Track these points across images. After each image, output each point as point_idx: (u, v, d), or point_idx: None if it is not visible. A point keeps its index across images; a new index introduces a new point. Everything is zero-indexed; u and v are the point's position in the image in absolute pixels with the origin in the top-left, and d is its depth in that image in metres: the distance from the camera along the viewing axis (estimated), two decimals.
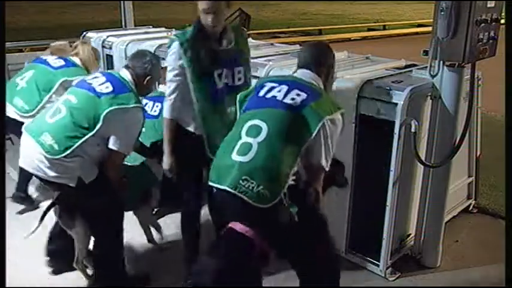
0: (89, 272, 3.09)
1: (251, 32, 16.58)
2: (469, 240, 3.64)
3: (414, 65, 3.64)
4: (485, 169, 4.18)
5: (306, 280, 2.47)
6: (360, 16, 25.60)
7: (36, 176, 2.80)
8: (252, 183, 2.09)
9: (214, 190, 2.22)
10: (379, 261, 3.14)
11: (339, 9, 29.39)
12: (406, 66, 3.65)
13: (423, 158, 3.05)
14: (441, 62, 2.90)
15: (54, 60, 3.76)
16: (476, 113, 3.69)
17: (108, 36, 5.39)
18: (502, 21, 2.91)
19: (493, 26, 2.89)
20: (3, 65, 5.19)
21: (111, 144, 2.67)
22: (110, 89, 2.69)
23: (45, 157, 2.61)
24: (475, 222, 3.90)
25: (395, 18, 24.80)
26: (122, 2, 6.92)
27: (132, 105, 2.68)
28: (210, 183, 2.25)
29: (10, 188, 4.08)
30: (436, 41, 2.81)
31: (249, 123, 2.22)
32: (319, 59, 2.45)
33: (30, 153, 2.70)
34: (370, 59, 3.94)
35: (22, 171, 3.25)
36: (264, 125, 2.17)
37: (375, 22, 22.10)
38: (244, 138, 2.18)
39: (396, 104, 2.87)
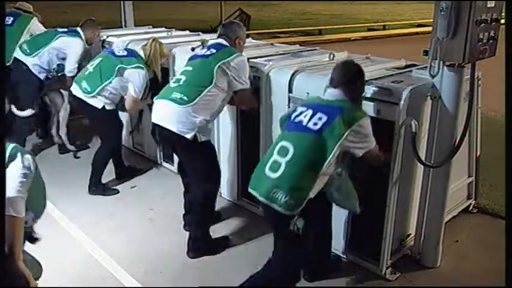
0: None
1: (251, 32, 16.61)
2: (469, 240, 3.64)
3: (414, 65, 3.64)
4: (485, 169, 4.19)
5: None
6: (360, 16, 25.58)
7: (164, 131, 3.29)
8: (280, 194, 2.50)
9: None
10: (379, 261, 3.14)
11: (339, 9, 29.37)
12: (406, 66, 3.66)
13: (423, 158, 3.05)
14: (441, 62, 2.89)
15: (119, 50, 4.30)
16: (476, 113, 3.69)
17: (108, 36, 5.40)
18: (502, 21, 2.91)
19: (493, 26, 2.89)
20: (3, 64, 5.19)
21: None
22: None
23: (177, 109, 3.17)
24: (475, 222, 3.90)
25: (395, 18, 24.79)
26: (122, 2, 6.92)
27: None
28: (250, 189, 2.70)
29: None
30: (436, 41, 2.81)
31: (280, 144, 2.62)
32: (346, 79, 2.70)
33: (164, 111, 3.26)
34: (370, 59, 3.94)
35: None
36: (291, 147, 2.55)
37: (375, 22, 22.09)
38: (275, 157, 2.59)
39: (396, 104, 2.87)
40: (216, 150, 4.12)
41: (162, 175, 4.77)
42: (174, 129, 3.19)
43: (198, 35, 5.67)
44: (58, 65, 4.91)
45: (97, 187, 4.36)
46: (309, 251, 2.81)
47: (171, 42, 4.94)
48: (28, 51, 4.85)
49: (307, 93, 3.30)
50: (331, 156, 2.49)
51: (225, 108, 3.93)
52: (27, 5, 5.55)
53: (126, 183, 4.55)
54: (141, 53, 4.18)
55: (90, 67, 4.22)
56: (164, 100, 3.28)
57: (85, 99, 4.13)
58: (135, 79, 4.06)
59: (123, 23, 6.94)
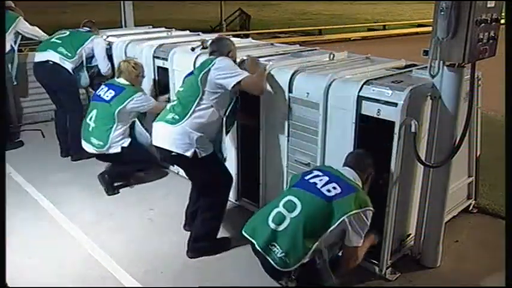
0: None
1: (251, 32, 16.61)
2: (469, 240, 3.64)
3: (414, 65, 3.64)
4: (485, 169, 4.18)
5: None
6: (360, 16, 25.59)
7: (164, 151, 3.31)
8: (277, 249, 2.53)
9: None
10: (379, 261, 3.14)
11: (339, 9, 29.38)
12: (406, 66, 3.65)
13: (423, 158, 3.05)
14: (441, 62, 2.89)
15: (106, 93, 4.34)
16: (476, 113, 3.68)
17: (108, 36, 5.40)
18: (502, 21, 2.91)
19: (493, 26, 2.88)
20: (3, 64, 5.20)
21: None
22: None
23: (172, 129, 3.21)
24: (475, 222, 3.90)
25: (395, 18, 24.80)
26: (122, 2, 6.92)
27: None
28: (244, 233, 2.71)
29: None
30: (436, 41, 2.81)
31: (288, 197, 2.64)
32: (364, 166, 2.86)
33: (162, 133, 3.31)
34: (370, 59, 3.94)
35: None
36: (299, 205, 2.57)
37: (375, 22, 22.11)
38: (280, 208, 2.61)
39: (396, 104, 2.87)
40: None
41: (162, 175, 4.77)
42: (173, 149, 3.22)
43: (198, 35, 5.66)
44: (87, 67, 5.08)
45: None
46: None
47: (171, 42, 4.94)
48: (70, 55, 4.91)
49: (307, 93, 3.30)
50: (333, 226, 2.54)
51: None
52: (8, 2, 5.51)
53: (126, 183, 4.54)
54: (123, 81, 4.36)
55: (91, 122, 4.36)
56: (160, 122, 3.33)
57: (104, 151, 4.33)
58: (141, 103, 4.31)
59: (123, 23, 6.93)
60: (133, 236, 3.71)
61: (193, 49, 4.27)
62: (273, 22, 22.37)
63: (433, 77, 2.95)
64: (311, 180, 2.67)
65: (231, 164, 4.03)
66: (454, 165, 3.12)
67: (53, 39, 5.03)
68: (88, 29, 5.20)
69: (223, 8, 19.37)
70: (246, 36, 12.42)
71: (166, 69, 4.43)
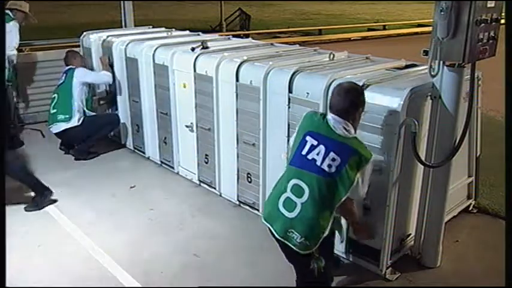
0: None
1: (251, 32, 16.62)
2: (469, 240, 3.64)
3: (414, 65, 3.64)
4: (485, 169, 4.18)
5: None
6: (360, 16, 25.60)
7: None
8: (296, 235, 2.54)
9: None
10: (379, 261, 3.14)
11: (339, 9, 29.38)
12: (406, 66, 3.65)
13: (423, 158, 3.05)
14: (441, 62, 2.89)
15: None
16: (476, 113, 3.69)
17: (108, 36, 5.40)
18: (502, 21, 2.91)
19: (493, 26, 2.88)
20: (3, 64, 5.20)
21: None
22: None
23: None
24: (475, 222, 3.90)
25: (395, 18, 24.81)
26: (122, 2, 6.92)
27: None
28: (265, 222, 2.69)
29: None
30: (436, 41, 2.81)
31: (294, 181, 2.61)
32: (352, 106, 2.67)
33: None
34: (370, 59, 3.94)
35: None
36: (306, 189, 2.56)
37: (375, 22, 22.11)
38: (289, 194, 2.60)
39: (396, 104, 2.87)
40: (217, 150, 4.15)
41: (162, 175, 4.77)
42: None
43: (198, 35, 5.67)
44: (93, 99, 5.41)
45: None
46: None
47: (171, 42, 4.94)
48: (68, 116, 5.04)
49: (307, 93, 3.30)
50: (343, 198, 2.55)
51: (225, 109, 3.96)
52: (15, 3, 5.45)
53: (125, 183, 4.55)
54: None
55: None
56: None
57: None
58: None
59: (123, 23, 6.93)
60: (133, 236, 3.71)
61: (193, 49, 4.27)
62: (273, 22, 22.37)
63: (433, 77, 2.96)
64: (309, 157, 2.60)
65: (232, 164, 4.04)
66: (454, 165, 3.12)
67: (51, 111, 5.15)
68: (69, 67, 5.20)
69: (223, 8, 19.39)
70: (246, 36, 12.43)
71: (166, 67, 4.44)
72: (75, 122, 5.01)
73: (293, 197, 2.59)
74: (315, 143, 2.63)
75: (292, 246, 2.56)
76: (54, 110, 5.09)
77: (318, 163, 2.57)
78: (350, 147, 2.60)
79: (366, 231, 3.06)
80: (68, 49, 5.48)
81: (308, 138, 2.66)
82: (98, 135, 5.23)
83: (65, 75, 5.17)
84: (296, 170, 2.64)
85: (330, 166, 2.55)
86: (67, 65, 5.23)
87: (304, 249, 2.55)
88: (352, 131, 2.65)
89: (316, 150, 2.60)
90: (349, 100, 2.66)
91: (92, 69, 5.47)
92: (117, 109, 5.43)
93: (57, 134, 5.16)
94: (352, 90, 2.72)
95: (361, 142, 2.65)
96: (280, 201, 2.62)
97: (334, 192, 2.55)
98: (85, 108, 5.14)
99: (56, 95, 5.16)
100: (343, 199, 2.55)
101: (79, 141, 5.17)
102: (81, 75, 5.12)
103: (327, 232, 2.58)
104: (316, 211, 2.54)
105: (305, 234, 2.53)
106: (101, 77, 5.26)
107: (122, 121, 5.38)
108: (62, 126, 5.03)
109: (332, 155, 2.56)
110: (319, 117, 2.70)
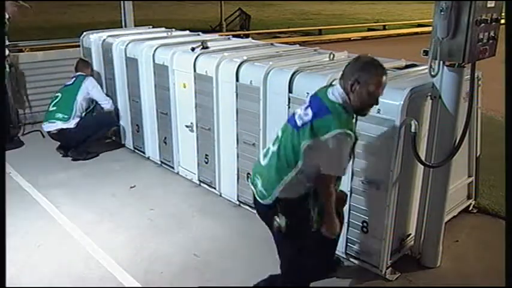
0: None
1: (251, 32, 16.62)
2: (469, 240, 3.64)
3: (414, 65, 3.64)
4: (485, 169, 4.18)
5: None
6: (360, 16, 25.60)
7: None
8: (260, 182, 2.58)
9: None
10: (379, 261, 3.14)
11: (339, 9, 29.39)
12: (406, 66, 3.65)
13: (423, 158, 3.05)
14: (441, 62, 2.89)
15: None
16: (476, 113, 3.69)
17: (108, 36, 5.40)
18: (502, 21, 2.91)
19: (493, 26, 2.88)
20: (3, 64, 5.20)
21: None
22: None
23: None
24: (475, 222, 3.90)
25: (395, 18, 24.81)
26: (122, 2, 6.92)
27: None
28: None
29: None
30: (436, 41, 2.81)
31: (277, 132, 2.65)
32: (347, 74, 2.48)
33: None
34: None
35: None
36: (279, 137, 2.58)
37: (375, 22, 22.12)
38: (269, 144, 2.66)
39: (396, 104, 2.87)
40: (217, 150, 4.15)
41: (162, 175, 4.77)
42: None
43: (198, 35, 5.67)
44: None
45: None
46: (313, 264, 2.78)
47: (171, 42, 4.94)
48: (67, 116, 5.06)
49: (307, 93, 3.30)
50: (302, 150, 2.40)
51: (225, 109, 3.96)
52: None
53: (125, 183, 4.55)
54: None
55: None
56: None
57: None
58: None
59: (123, 23, 6.94)
60: (133, 236, 3.71)
61: (193, 49, 4.27)
62: (273, 22, 22.38)
63: (433, 77, 2.96)
64: (297, 110, 2.56)
65: (232, 164, 4.04)
66: (454, 165, 3.12)
67: (50, 109, 5.16)
68: (79, 73, 5.26)
69: (223, 8, 19.39)
70: (246, 36, 12.44)
71: (166, 67, 4.44)
72: (71, 124, 5.02)
73: (270, 146, 2.64)
74: (308, 103, 2.57)
75: (255, 194, 2.61)
76: (54, 108, 5.09)
77: (296, 116, 2.54)
78: (326, 108, 2.44)
79: (333, 227, 2.61)
80: (79, 57, 5.54)
81: (307, 98, 2.66)
82: (95, 136, 5.24)
83: (74, 78, 5.22)
84: (284, 124, 2.67)
85: (301, 119, 2.47)
86: (77, 72, 5.28)
87: (261, 198, 2.57)
88: (340, 99, 2.45)
89: (304, 106, 2.56)
90: (349, 67, 2.50)
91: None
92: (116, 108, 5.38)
93: (51, 133, 5.12)
94: (360, 60, 2.54)
95: (342, 113, 2.42)
96: (263, 151, 2.71)
97: (293, 145, 2.46)
98: (83, 115, 5.15)
99: (59, 94, 5.18)
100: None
101: (75, 143, 5.16)
102: (90, 85, 5.18)
103: (282, 187, 2.45)
104: (278, 160, 2.54)
105: (265, 182, 2.55)
106: (104, 99, 5.26)
107: (121, 119, 5.37)
108: (58, 125, 5.03)
109: (308, 110, 2.49)
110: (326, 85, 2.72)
